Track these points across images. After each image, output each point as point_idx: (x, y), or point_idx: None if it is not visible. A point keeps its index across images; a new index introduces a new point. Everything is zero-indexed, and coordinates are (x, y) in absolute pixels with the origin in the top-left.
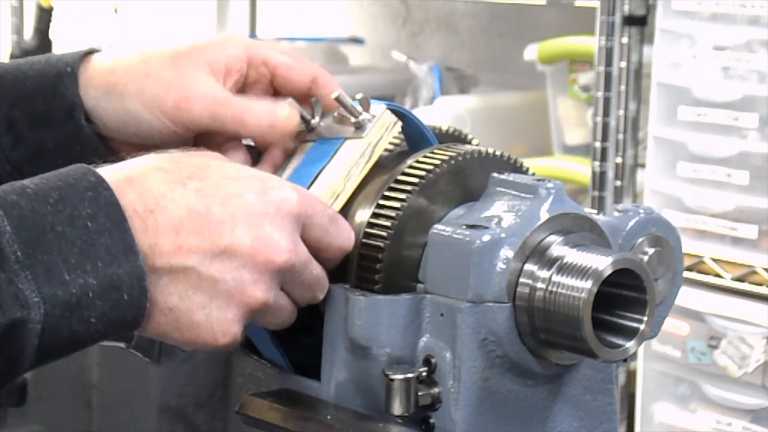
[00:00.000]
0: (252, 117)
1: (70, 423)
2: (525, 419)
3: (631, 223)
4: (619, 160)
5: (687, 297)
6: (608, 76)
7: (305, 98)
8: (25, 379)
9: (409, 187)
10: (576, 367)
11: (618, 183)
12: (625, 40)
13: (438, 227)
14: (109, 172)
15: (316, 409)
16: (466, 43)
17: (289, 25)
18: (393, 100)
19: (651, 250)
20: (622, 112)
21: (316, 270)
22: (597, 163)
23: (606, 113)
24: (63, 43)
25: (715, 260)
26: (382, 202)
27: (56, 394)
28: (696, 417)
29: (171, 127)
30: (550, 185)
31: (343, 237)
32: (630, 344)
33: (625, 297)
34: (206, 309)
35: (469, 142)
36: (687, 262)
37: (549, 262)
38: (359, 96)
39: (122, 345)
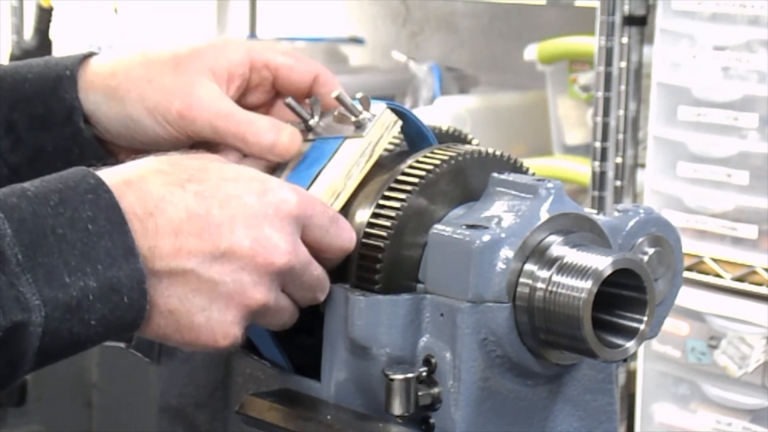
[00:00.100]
0: (253, 135)
1: (70, 423)
2: (525, 419)
3: (631, 223)
4: (619, 160)
5: (687, 297)
6: (608, 76)
7: (307, 97)
8: (25, 379)
9: (409, 187)
10: (576, 367)
11: (618, 183)
12: (625, 40)
13: (438, 227)
14: (108, 174)
15: (316, 409)
16: (466, 43)
17: (289, 25)
18: (393, 100)
19: (651, 250)
20: (622, 112)
21: (317, 271)
22: (597, 163)
23: (606, 113)
24: (63, 43)
25: (715, 260)
26: (382, 202)
27: (56, 394)
28: (696, 417)
29: (173, 134)
30: (550, 185)
31: (344, 237)
32: (630, 344)
33: (625, 297)
34: (206, 311)
35: (469, 142)
36: (687, 262)
37: (549, 262)
38: (359, 95)
39: (122, 345)
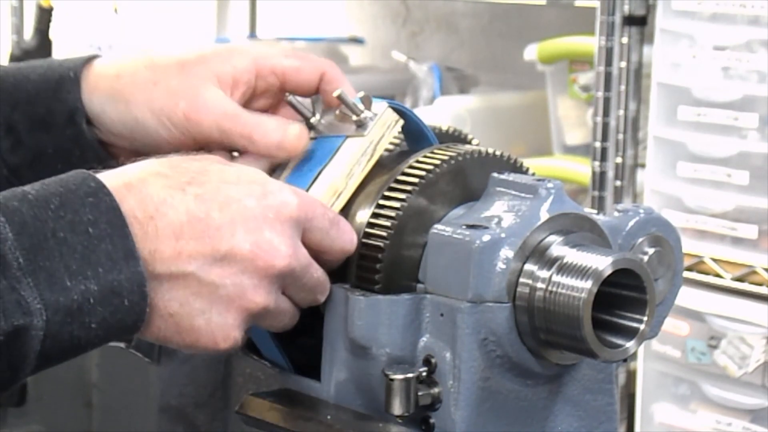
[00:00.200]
0: (260, 134)
1: (70, 423)
2: (525, 419)
3: (631, 223)
4: (619, 160)
5: (687, 297)
6: (608, 76)
7: (314, 95)
8: (25, 380)
9: (409, 187)
10: (576, 367)
11: (618, 183)
12: (625, 40)
13: (438, 227)
14: (108, 177)
15: (316, 409)
16: (466, 43)
17: (289, 25)
18: (393, 100)
19: (651, 250)
20: (622, 112)
21: (317, 273)
22: (597, 163)
23: (606, 113)
24: (63, 43)
25: (715, 260)
26: (382, 202)
27: (56, 394)
28: (696, 417)
29: (179, 137)
30: (550, 185)
31: (344, 239)
32: (630, 344)
33: (625, 297)
34: (206, 314)
35: (469, 142)
36: (687, 262)
37: (549, 262)
38: (361, 94)
39: (122, 345)
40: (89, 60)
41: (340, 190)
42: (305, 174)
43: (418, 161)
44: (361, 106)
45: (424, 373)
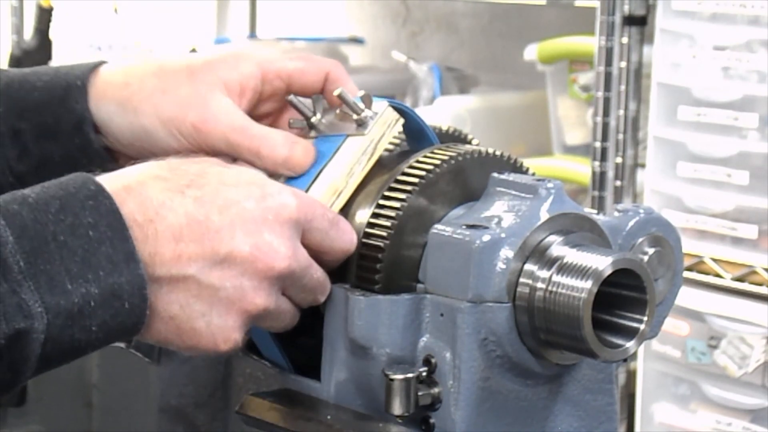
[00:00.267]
0: (268, 149)
1: (70, 423)
2: (525, 419)
3: (631, 223)
4: (619, 160)
5: (687, 297)
6: (608, 76)
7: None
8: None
9: (409, 187)
10: (576, 367)
11: (618, 183)
12: (625, 40)
13: (438, 227)
14: (108, 180)
15: (316, 409)
16: (466, 43)
17: (289, 25)
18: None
19: (651, 250)
20: (622, 112)
21: (317, 274)
22: (597, 163)
23: (606, 113)
24: (63, 43)
25: (715, 260)
26: (382, 201)
27: (56, 394)
28: (696, 417)
29: (186, 146)
30: (550, 185)
31: (344, 239)
32: (630, 344)
33: (625, 297)
34: (207, 317)
35: (469, 142)
36: (687, 262)
37: (549, 262)
38: (361, 93)
39: (122, 345)
40: (96, 67)
41: (341, 189)
42: (306, 173)
43: (418, 161)
44: (361, 105)
45: (424, 373)
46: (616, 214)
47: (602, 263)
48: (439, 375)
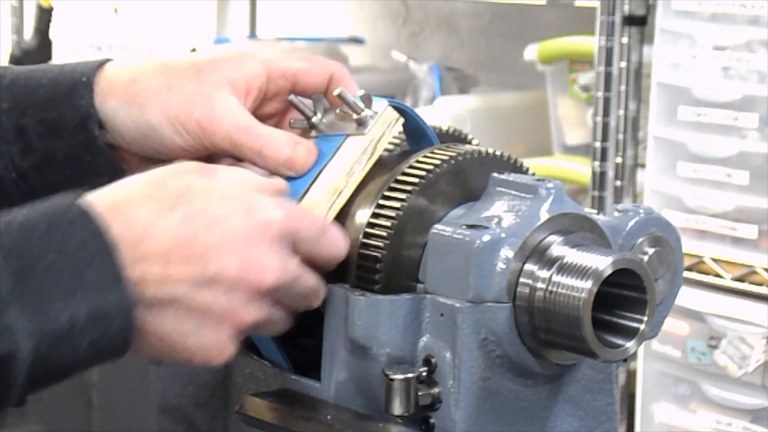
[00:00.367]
0: (270, 149)
1: (70, 423)
2: (525, 419)
3: (631, 223)
4: (619, 160)
5: (687, 297)
6: (608, 76)
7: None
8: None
9: (409, 187)
10: (576, 367)
11: (618, 183)
12: (625, 40)
13: (438, 227)
14: (96, 199)
15: (316, 409)
16: (466, 43)
17: (289, 25)
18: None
19: (651, 250)
20: (622, 112)
21: (309, 281)
22: (597, 163)
23: (606, 113)
24: (63, 43)
25: (715, 260)
26: (382, 201)
27: (56, 394)
28: (696, 417)
29: (191, 143)
30: (550, 185)
31: (335, 246)
32: (630, 344)
33: (625, 297)
34: (199, 334)
35: (469, 142)
36: (687, 262)
37: (549, 262)
38: (361, 93)
39: None
40: (102, 64)
41: (341, 188)
42: (307, 173)
43: (418, 161)
44: (361, 105)
45: (424, 373)
46: (616, 214)
47: (602, 263)
48: (439, 375)
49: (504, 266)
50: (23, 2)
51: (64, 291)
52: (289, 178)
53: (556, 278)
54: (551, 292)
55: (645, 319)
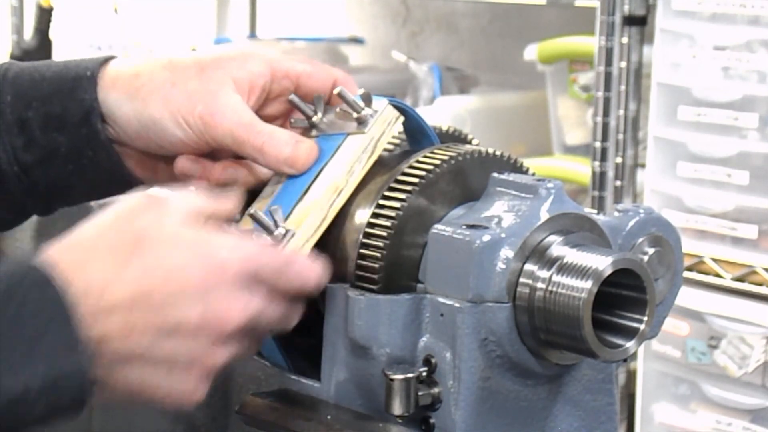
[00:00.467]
0: (272, 147)
1: (70, 423)
2: (525, 419)
3: (631, 223)
4: (619, 160)
5: (687, 297)
6: (608, 76)
7: (327, 102)
8: None
9: (409, 187)
10: (576, 367)
11: (618, 183)
12: (625, 40)
13: (438, 227)
14: (53, 257)
15: (316, 409)
16: (466, 43)
17: (289, 25)
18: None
19: (651, 250)
20: (622, 112)
21: (276, 312)
22: (597, 163)
23: (606, 113)
24: (63, 43)
25: (715, 260)
26: (382, 201)
27: None
28: (696, 417)
29: (193, 138)
30: (550, 185)
31: (303, 277)
32: (630, 344)
33: (625, 297)
34: (167, 383)
35: (469, 142)
36: (687, 262)
37: (549, 262)
38: (361, 91)
39: None
40: (106, 60)
41: (341, 187)
42: (307, 172)
43: (418, 161)
44: (361, 104)
45: (424, 373)
46: (616, 214)
47: (602, 263)
48: (439, 375)
49: (504, 266)
50: (23, 2)
51: (18, 360)
52: (290, 177)
53: (556, 278)
54: (551, 292)
55: (645, 319)
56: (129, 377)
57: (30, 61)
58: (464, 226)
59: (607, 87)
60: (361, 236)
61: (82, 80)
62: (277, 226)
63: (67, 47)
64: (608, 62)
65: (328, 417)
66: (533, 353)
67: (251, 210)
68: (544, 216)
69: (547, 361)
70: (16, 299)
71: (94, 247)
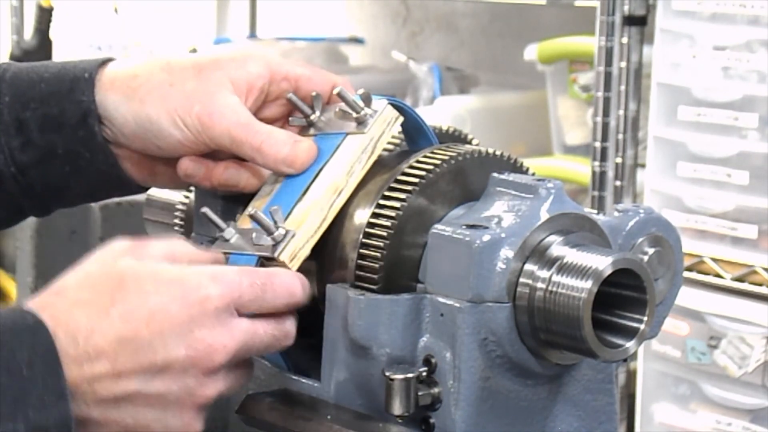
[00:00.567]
0: (269, 147)
1: None
2: (525, 419)
3: (631, 223)
4: (619, 160)
5: (687, 297)
6: (608, 76)
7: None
8: None
9: (409, 187)
10: (576, 367)
11: (618, 183)
12: (625, 40)
13: (438, 227)
14: (38, 309)
15: (316, 409)
16: (466, 43)
17: (289, 25)
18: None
19: (651, 250)
20: (622, 112)
21: (266, 337)
22: (597, 163)
23: (606, 113)
24: (63, 43)
25: (715, 260)
26: (382, 201)
27: None
28: (696, 417)
29: (190, 138)
30: (550, 185)
31: (284, 295)
32: (630, 344)
33: (625, 297)
34: (162, 420)
35: (469, 142)
36: (687, 262)
37: (549, 262)
38: (361, 91)
39: None
40: (104, 62)
41: (341, 187)
42: (306, 172)
43: (418, 161)
44: (361, 104)
45: (424, 373)
46: (616, 214)
47: (602, 263)
48: (439, 375)
49: (504, 266)
50: (23, 2)
51: (5, 410)
52: (288, 177)
53: (556, 278)
54: (551, 292)
55: (645, 319)
56: (123, 417)
57: (28, 62)
58: (464, 226)
59: (607, 87)
60: (361, 236)
61: (80, 82)
62: (277, 226)
63: (67, 47)
64: (608, 62)
65: (328, 417)
66: (533, 353)
67: (250, 210)
68: (544, 216)
69: (547, 361)
70: (7, 347)
71: (78, 292)
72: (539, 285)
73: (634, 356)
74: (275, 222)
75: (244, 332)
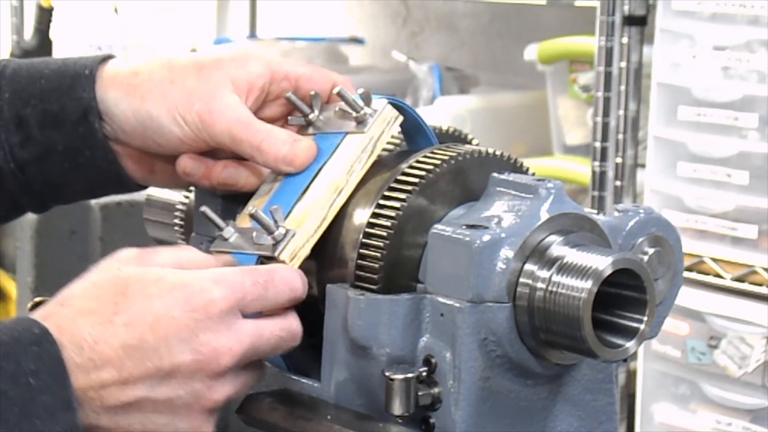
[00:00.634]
0: (269, 145)
1: None
2: (525, 419)
3: (631, 223)
4: (619, 160)
5: (687, 297)
6: (608, 76)
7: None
8: None
9: (409, 187)
10: (576, 367)
11: (618, 183)
12: (625, 40)
13: (438, 227)
14: (45, 320)
15: (316, 409)
16: (466, 43)
17: (289, 25)
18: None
19: (651, 250)
20: (622, 112)
21: (272, 339)
22: (597, 163)
23: (606, 113)
24: (63, 43)
25: (715, 260)
26: (382, 201)
27: None
28: (696, 417)
29: (190, 136)
30: (550, 185)
31: (285, 291)
32: (630, 344)
33: (625, 297)
34: (171, 425)
35: (469, 142)
36: (687, 262)
37: (549, 262)
38: (361, 91)
39: None
40: (105, 59)
41: (341, 186)
42: (305, 171)
43: (418, 161)
44: (360, 103)
45: (424, 373)
46: (616, 214)
47: (602, 263)
48: (439, 375)
49: (504, 266)
50: (23, 2)
51: (12, 421)
52: (288, 176)
53: (556, 278)
54: (551, 292)
55: (645, 319)
56: (132, 424)
57: (28, 59)
58: (464, 226)
59: (607, 87)
60: (361, 236)
61: (81, 78)
62: (277, 225)
63: (67, 47)
64: (608, 62)
65: (328, 417)
66: (533, 353)
67: (250, 209)
68: (544, 216)
69: (547, 361)
70: (14, 358)
71: (83, 302)
72: (539, 285)
73: (634, 356)
74: (275, 221)
75: (250, 334)
